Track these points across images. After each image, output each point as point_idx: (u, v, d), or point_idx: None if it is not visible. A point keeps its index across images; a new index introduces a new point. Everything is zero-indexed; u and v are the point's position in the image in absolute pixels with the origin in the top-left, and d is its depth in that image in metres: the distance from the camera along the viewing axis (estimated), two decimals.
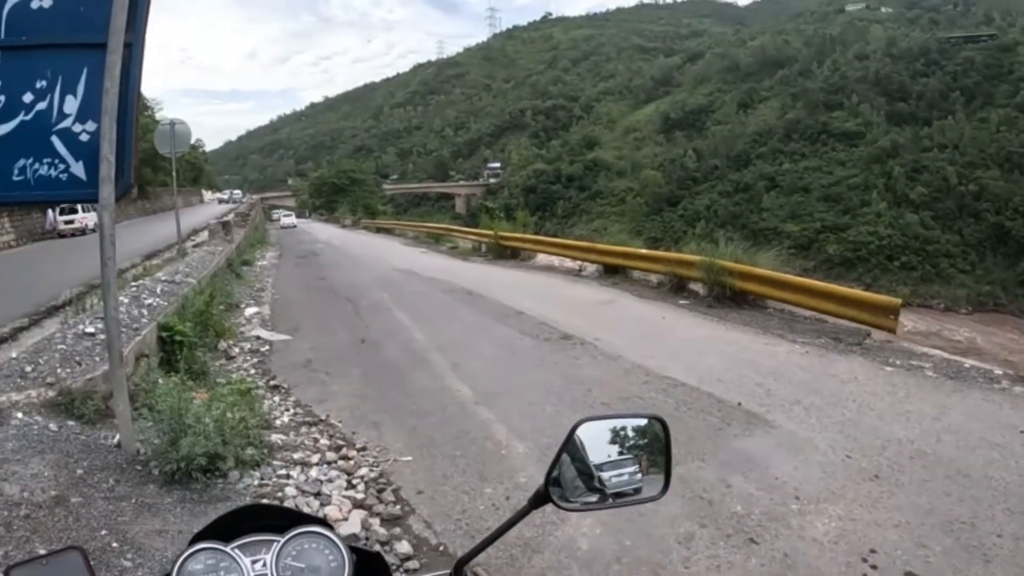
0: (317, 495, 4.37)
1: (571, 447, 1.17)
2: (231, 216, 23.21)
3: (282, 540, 1.18)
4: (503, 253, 19.29)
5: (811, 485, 4.21)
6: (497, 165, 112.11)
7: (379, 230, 41.55)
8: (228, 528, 1.23)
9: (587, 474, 1.17)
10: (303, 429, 5.64)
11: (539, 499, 1.14)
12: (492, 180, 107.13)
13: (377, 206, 67.06)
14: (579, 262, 15.55)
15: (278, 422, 5.76)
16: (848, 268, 61.16)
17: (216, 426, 4.33)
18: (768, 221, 70.78)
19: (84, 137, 4.21)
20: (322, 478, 4.64)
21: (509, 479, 4.52)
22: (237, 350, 8.43)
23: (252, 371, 7.52)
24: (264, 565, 1.15)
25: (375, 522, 4.05)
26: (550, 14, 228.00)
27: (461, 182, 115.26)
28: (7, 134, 4.20)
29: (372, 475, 4.70)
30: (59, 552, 1.03)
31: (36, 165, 4.22)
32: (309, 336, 9.34)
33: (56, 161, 4.23)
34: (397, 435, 5.43)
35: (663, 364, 7.03)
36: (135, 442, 4.44)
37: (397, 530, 3.94)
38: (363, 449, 5.17)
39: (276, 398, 6.52)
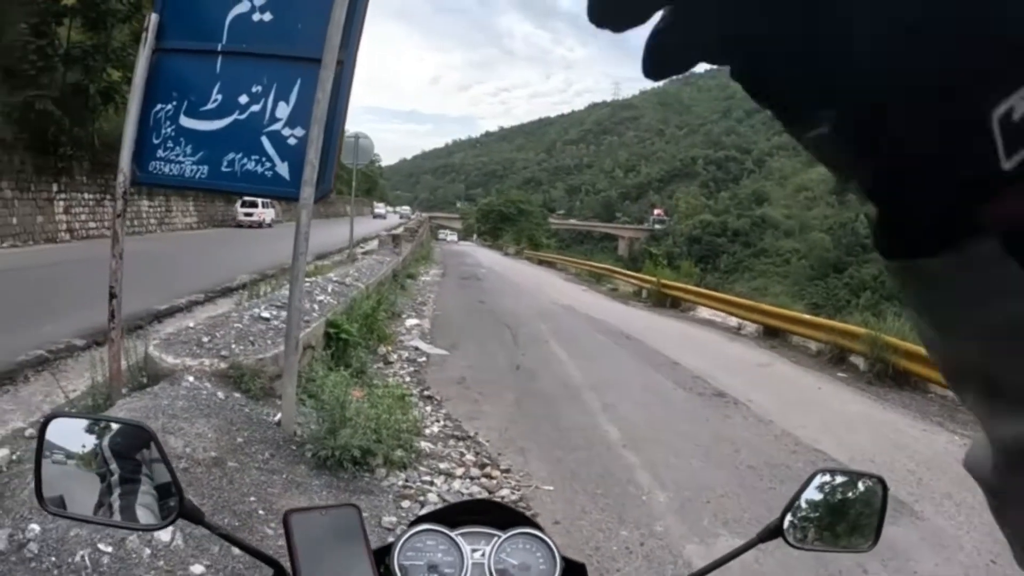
0: None
1: (804, 491, 1.18)
2: (400, 230, 24.23)
3: (503, 536, 1.24)
4: (663, 301, 18.82)
5: None
6: (659, 212, 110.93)
7: (540, 262, 41.83)
8: (448, 517, 1.28)
9: (814, 518, 1.19)
10: (451, 442, 5.73)
11: (771, 533, 1.14)
12: (657, 226, 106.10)
13: (541, 238, 67.85)
14: (739, 320, 15.04)
15: (428, 431, 5.89)
16: None
17: (373, 424, 4.50)
18: None
19: (292, 141, 4.56)
20: (464, 491, 4.68)
21: (646, 525, 4.39)
22: (395, 357, 8.72)
23: (407, 379, 7.75)
24: (483, 556, 1.20)
25: None
26: None
27: (626, 224, 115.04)
28: (221, 129, 4.65)
29: (513, 497, 4.69)
30: (338, 506, 1.11)
31: (244, 160, 4.61)
32: (466, 354, 9.50)
33: (263, 159, 4.60)
34: (542, 464, 5.41)
35: (814, 436, 6.64)
36: (294, 424, 4.69)
37: None
38: (507, 471, 5.18)
39: (428, 408, 6.68)
